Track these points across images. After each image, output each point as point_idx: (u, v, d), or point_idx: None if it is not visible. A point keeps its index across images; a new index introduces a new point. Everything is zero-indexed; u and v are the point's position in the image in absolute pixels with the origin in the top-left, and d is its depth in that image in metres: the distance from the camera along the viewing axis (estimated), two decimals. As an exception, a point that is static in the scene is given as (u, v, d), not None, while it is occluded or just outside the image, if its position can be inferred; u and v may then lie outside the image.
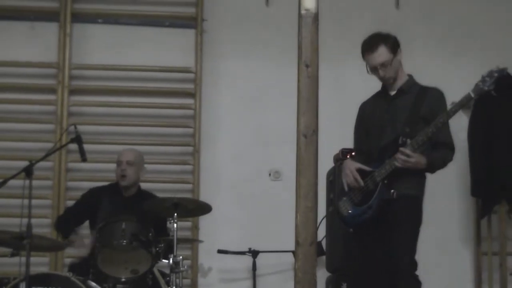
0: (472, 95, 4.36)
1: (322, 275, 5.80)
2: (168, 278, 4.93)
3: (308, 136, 3.32)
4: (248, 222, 6.44)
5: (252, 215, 6.47)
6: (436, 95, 4.59)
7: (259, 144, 6.58)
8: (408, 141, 4.41)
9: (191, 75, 6.57)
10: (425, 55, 6.63)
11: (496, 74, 4.34)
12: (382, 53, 4.54)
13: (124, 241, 4.82)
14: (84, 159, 4.97)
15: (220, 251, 6.11)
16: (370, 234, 4.54)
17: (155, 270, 4.96)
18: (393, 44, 4.59)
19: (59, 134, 6.24)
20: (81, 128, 5.18)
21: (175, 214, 4.91)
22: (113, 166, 5.71)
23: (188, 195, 6.31)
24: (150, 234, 4.91)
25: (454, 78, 6.24)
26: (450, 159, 4.59)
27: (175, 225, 4.90)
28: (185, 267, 4.91)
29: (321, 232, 5.75)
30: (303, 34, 3.37)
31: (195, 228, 6.38)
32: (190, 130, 6.54)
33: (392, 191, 4.45)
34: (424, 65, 6.38)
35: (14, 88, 6.47)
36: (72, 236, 5.44)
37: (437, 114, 4.44)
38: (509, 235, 6.47)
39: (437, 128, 4.38)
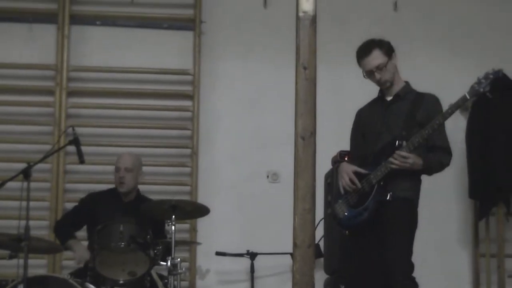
0: (468, 96, 4.39)
1: (320, 277, 5.80)
2: (166, 281, 4.94)
3: (306, 138, 3.32)
4: (246, 224, 6.44)
5: (250, 217, 6.47)
6: (432, 100, 4.61)
7: (257, 146, 6.58)
8: (404, 143, 4.42)
9: (189, 77, 6.57)
10: (423, 57, 6.64)
11: (491, 76, 4.38)
12: (376, 56, 4.56)
13: (122, 243, 4.82)
14: (82, 161, 4.97)
15: (218, 253, 6.11)
16: (366, 236, 4.54)
17: (153, 272, 4.96)
18: (388, 48, 4.61)
19: (57, 136, 6.24)
20: (79, 130, 5.17)
21: (173, 216, 4.91)
22: (111, 168, 5.70)
23: (186, 197, 6.31)
24: (148, 236, 4.91)
25: (453, 79, 6.26)
26: (447, 163, 4.60)
27: (173, 227, 4.90)
28: (183, 269, 4.90)
29: (319, 234, 5.76)
30: (301, 36, 3.37)
31: (193, 230, 6.37)
32: (188, 132, 6.54)
33: (389, 193, 4.45)
34: (422, 67, 6.41)
35: (12, 90, 6.47)
36: (71, 242, 5.42)
37: (433, 119, 4.45)
38: (507, 237, 6.48)
39: (433, 130, 4.39)
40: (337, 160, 5.61)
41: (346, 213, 4.62)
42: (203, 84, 6.57)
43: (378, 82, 4.63)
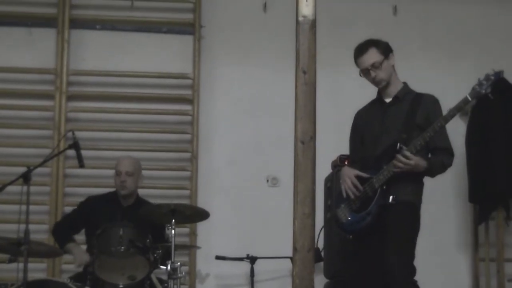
0: (470, 98, 4.36)
1: (320, 281, 5.80)
2: (166, 285, 4.93)
3: (305, 142, 3.32)
4: (246, 228, 6.44)
5: (250, 221, 6.46)
6: (431, 101, 4.60)
7: (257, 150, 6.58)
8: (405, 147, 4.42)
9: (189, 81, 6.58)
10: (422, 60, 6.65)
11: (492, 77, 4.35)
12: (372, 54, 4.56)
13: (122, 247, 4.81)
14: (81, 165, 4.97)
15: (218, 257, 6.10)
16: (369, 241, 4.54)
17: (152, 276, 4.96)
18: (384, 48, 4.60)
19: (56, 140, 6.25)
20: (78, 134, 5.17)
21: (173, 220, 4.91)
22: (110, 172, 5.70)
23: (186, 201, 6.31)
24: (148, 240, 4.90)
25: (451, 83, 6.27)
26: (450, 164, 4.59)
27: (172, 231, 4.89)
28: (183, 273, 4.89)
29: (320, 239, 5.76)
30: (300, 41, 3.37)
31: (193, 234, 6.38)
32: (188, 136, 6.54)
33: (391, 197, 4.45)
34: (422, 70, 6.41)
35: (12, 94, 6.47)
36: (70, 245, 5.41)
37: (432, 120, 4.45)
38: (507, 242, 6.48)
39: (434, 132, 4.38)
40: (337, 164, 5.62)
41: (349, 218, 4.61)
42: (203, 88, 6.58)
43: (373, 81, 4.62)
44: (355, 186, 4.56)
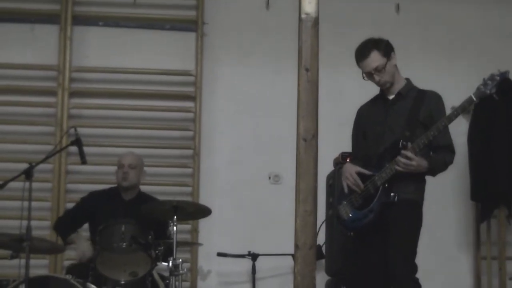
0: (474, 98, 4.32)
1: (321, 278, 5.80)
2: (167, 281, 4.93)
3: (307, 140, 3.33)
4: (247, 225, 6.44)
5: (251, 219, 6.47)
6: (434, 98, 4.58)
7: (259, 148, 6.58)
8: (409, 144, 4.41)
9: (191, 78, 6.58)
10: (425, 59, 6.64)
11: (498, 77, 4.31)
12: (375, 58, 4.53)
13: (124, 243, 4.82)
14: (84, 162, 4.97)
15: (219, 254, 6.11)
16: (370, 238, 4.54)
17: (154, 273, 4.96)
18: (386, 48, 4.57)
19: (59, 136, 6.25)
20: (81, 130, 5.18)
21: (175, 217, 4.91)
22: (113, 168, 5.71)
23: (188, 198, 6.32)
24: (150, 236, 4.91)
25: (451, 82, 6.26)
26: (451, 162, 4.58)
27: (174, 228, 4.90)
28: (185, 270, 4.89)
29: (321, 236, 5.76)
30: (303, 38, 3.38)
31: (195, 231, 6.38)
32: (190, 133, 6.54)
33: (393, 194, 4.45)
34: (424, 69, 6.39)
35: (15, 90, 6.48)
36: (73, 236, 5.42)
37: (436, 117, 4.43)
38: (508, 240, 6.48)
39: (438, 131, 4.36)
40: (339, 161, 5.61)
41: (350, 215, 4.61)
42: (205, 85, 6.58)
43: (378, 84, 4.61)
44: (356, 183, 4.56)
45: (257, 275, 6.09)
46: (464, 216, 6.67)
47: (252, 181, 6.54)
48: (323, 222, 5.82)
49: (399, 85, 4.64)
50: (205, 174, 6.51)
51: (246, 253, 6.09)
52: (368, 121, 4.72)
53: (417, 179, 4.52)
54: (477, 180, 6.33)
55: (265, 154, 6.56)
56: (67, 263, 5.99)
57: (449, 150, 4.56)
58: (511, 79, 5.67)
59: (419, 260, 4.47)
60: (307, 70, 3.36)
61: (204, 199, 6.22)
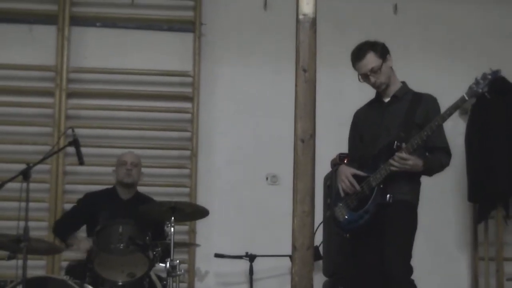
0: (466, 97, 4.35)
1: (319, 279, 5.80)
2: (165, 282, 4.93)
3: (305, 141, 3.32)
4: (245, 226, 6.44)
5: (249, 219, 6.46)
6: (430, 101, 4.59)
7: (257, 148, 6.58)
8: (403, 145, 4.41)
9: (189, 79, 6.58)
10: (424, 59, 6.65)
11: (489, 76, 4.34)
12: (370, 59, 4.55)
13: (121, 244, 4.82)
14: (81, 162, 4.96)
15: (217, 255, 6.11)
16: (366, 239, 4.54)
17: (152, 274, 4.96)
18: (382, 50, 4.58)
19: (56, 137, 6.24)
20: (78, 131, 5.16)
21: (172, 218, 4.91)
22: (110, 169, 5.71)
23: (185, 199, 6.32)
24: (147, 237, 4.91)
25: (451, 82, 6.23)
26: (447, 164, 4.59)
27: (172, 229, 4.89)
28: (182, 271, 4.90)
29: (318, 237, 5.76)
30: (301, 39, 3.37)
31: (192, 232, 6.38)
32: (188, 134, 6.54)
33: (388, 195, 4.45)
34: (422, 69, 6.41)
35: (12, 91, 6.47)
36: (71, 239, 5.42)
37: (432, 118, 4.44)
38: (506, 240, 6.48)
39: (432, 131, 4.37)
40: (337, 162, 5.61)
41: (346, 216, 4.62)
42: (203, 86, 6.58)
43: (374, 85, 4.63)
44: (352, 185, 4.57)
45: (255, 276, 6.09)
46: (462, 217, 6.68)
47: (250, 182, 6.55)
48: (320, 223, 5.82)
49: (394, 88, 4.65)
50: (203, 175, 6.51)
51: (244, 254, 6.09)
52: (364, 124, 4.74)
53: (412, 180, 4.53)
54: (474, 181, 6.33)
55: (262, 155, 6.56)
56: (64, 264, 5.98)
57: (445, 152, 4.57)
58: (508, 80, 5.71)
59: (417, 260, 4.46)
60: (304, 70, 3.35)
61: (201, 200, 6.22)
